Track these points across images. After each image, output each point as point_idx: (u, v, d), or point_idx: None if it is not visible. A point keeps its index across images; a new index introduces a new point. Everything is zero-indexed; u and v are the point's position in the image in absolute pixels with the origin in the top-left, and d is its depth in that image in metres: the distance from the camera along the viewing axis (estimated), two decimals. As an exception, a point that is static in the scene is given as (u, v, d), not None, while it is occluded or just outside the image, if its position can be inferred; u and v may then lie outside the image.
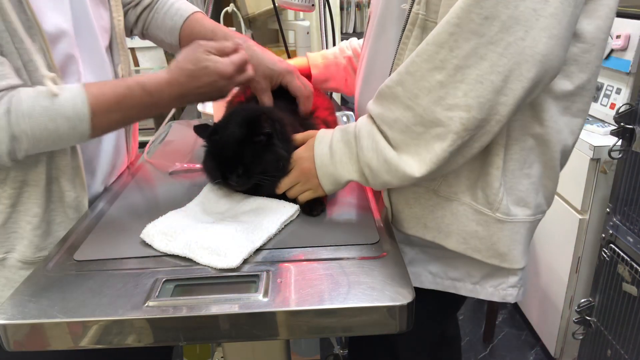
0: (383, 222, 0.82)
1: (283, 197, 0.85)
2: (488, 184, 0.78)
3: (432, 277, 0.91)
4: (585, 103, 0.78)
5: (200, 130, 0.85)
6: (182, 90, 0.81)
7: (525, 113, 0.75)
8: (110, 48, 0.99)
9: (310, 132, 0.86)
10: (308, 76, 1.14)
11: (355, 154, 0.78)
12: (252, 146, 0.80)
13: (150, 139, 1.27)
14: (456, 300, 0.95)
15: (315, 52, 1.18)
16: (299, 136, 0.86)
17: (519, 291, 0.87)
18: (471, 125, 0.68)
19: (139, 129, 2.69)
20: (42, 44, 0.77)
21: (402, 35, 0.77)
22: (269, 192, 0.85)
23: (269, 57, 0.97)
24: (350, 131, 0.79)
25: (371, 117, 0.78)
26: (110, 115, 0.78)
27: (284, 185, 0.84)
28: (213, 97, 0.85)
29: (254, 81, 0.93)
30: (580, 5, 0.67)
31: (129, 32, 1.11)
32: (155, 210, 0.83)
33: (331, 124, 1.03)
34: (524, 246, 0.83)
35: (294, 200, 0.85)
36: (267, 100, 0.95)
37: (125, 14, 1.08)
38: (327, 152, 0.80)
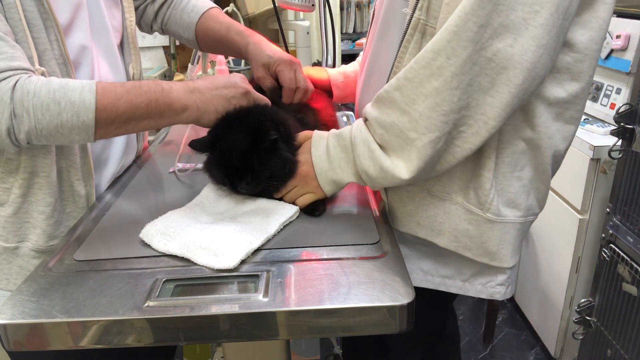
0: (383, 222, 0.82)
1: (282, 198, 0.85)
2: (480, 185, 0.80)
3: (423, 274, 0.92)
4: (578, 111, 0.80)
5: (197, 145, 0.84)
6: (196, 85, 0.82)
7: (517, 118, 0.77)
8: (121, 47, 1.01)
9: (307, 133, 0.87)
10: (326, 90, 1.18)
11: (352, 160, 0.80)
12: (258, 152, 0.80)
13: (151, 139, 1.27)
14: (445, 297, 0.97)
15: (336, 70, 1.20)
16: (299, 136, 0.87)
17: (506, 289, 0.90)
18: (460, 122, 0.72)
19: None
20: (57, 35, 0.79)
21: (403, 39, 0.78)
22: (275, 194, 0.85)
23: (271, 48, 1.00)
24: (345, 137, 0.81)
25: (366, 123, 0.80)
26: (117, 104, 0.75)
27: (282, 189, 0.84)
28: (228, 95, 0.84)
29: (254, 71, 1.00)
30: (569, 17, 0.70)
31: (149, 28, 1.15)
32: (155, 210, 0.84)
33: (330, 125, 1.04)
34: (514, 246, 0.84)
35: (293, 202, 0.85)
36: (267, 84, 1.00)
37: (145, 9, 1.11)
38: (325, 158, 0.82)
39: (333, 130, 0.84)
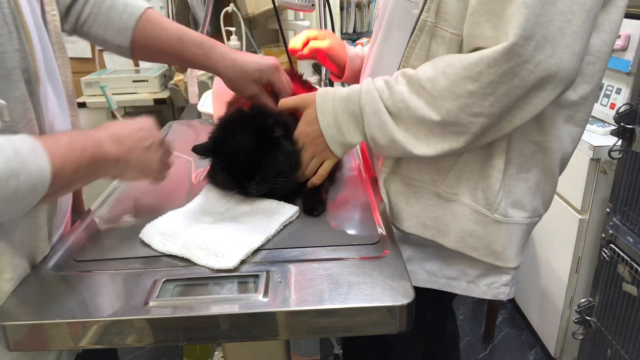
0: (383, 223, 0.82)
1: (284, 198, 0.85)
2: (489, 186, 0.80)
3: (427, 275, 0.92)
4: (586, 113, 0.81)
5: (200, 150, 0.83)
6: (118, 133, 0.73)
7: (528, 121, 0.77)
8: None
9: (302, 99, 0.85)
10: (340, 65, 1.14)
11: (361, 125, 0.81)
12: (264, 151, 0.80)
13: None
14: (445, 297, 0.97)
15: (355, 52, 1.13)
16: (287, 101, 0.86)
17: (510, 289, 0.90)
18: (489, 127, 0.72)
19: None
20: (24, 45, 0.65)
21: (409, 39, 0.79)
22: (285, 191, 0.85)
23: (251, 59, 0.92)
24: (354, 101, 0.80)
25: (377, 90, 0.78)
26: (64, 167, 0.63)
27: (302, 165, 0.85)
28: (146, 144, 0.75)
29: (241, 89, 0.93)
30: (595, 22, 0.71)
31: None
32: (155, 210, 0.84)
33: None
34: (519, 247, 0.86)
35: (293, 202, 0.85)
36: (268, 103, 0.93)
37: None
38: (332, 124, 0.82)
39: (339, 92, 0.82)
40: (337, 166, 0.92)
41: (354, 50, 1.14)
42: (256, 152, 0.80)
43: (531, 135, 0.79)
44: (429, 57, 0.77)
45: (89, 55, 2.62)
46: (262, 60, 0.92)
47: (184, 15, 2.34)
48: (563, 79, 0.68)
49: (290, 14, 2.21)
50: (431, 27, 0.76)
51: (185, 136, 1.32)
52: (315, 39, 1.13)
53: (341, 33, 2.99)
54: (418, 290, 0.92)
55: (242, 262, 0.70)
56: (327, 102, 0.83)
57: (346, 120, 0.81)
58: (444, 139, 0.75)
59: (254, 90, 0.92)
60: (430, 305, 1.01)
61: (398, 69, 0.81)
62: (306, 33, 1.13)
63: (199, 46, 0.91)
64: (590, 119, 1.75)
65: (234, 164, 0.81)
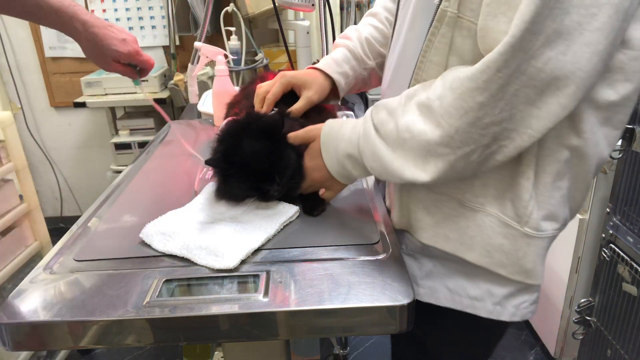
0: (384, 223, 0.82)
1: (284, 197, 0.85)
2: (517, 195, 0.73)
3: (449, 293, 0.83)
4: (626, 114, 0.73)
5: (214, 163, 0.82)
6: None
7: (562, 123, 0.67)
8: None
9: (310, 133, 0.84)
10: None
11: (362, 166, 0.77)
12: (277, 151, 0.80)
13: (150, 139, 1.27)
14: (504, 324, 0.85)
15: (339, 76, 0.98)
16: (297, 135, 0.85)
17: (536, 306, 0.83)
18: (502, 136, 0.66)
19: (139, 129, 2.67)
20: None
21: (428, 31, 0.72)
22: (296, 192, 0.85)
23: (110, 40, 0.93)
24: (354, 144, 0.77)
25: (375, 127, 0.75)
26: None
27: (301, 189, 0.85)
28: None
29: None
30: (630, 16, 0.62)
31: None
32: (155, 210, 0.84)
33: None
34: (544, 259, 0.78)
35: (293, 202, 0.85)
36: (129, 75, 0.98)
37: None
38: (336, 163, 0.80)
39: (342, 130, 0.79)
40: None
41: (337, 71, 0.97)
42: (271, 154, 0.79)
43: (566, 140, 0.71)
44: (452, 51, 0.70)
45: (89, 55, 2.62)
46: (121, 44, 0.92)
47: (184, 15, 2.34)
48: (583, 81, 0.61)
49: (290, 14, 2.21)
50: (453, 18, 0.68)
51: (185, 136, 1.32)
52: (280, 93, 0.93)
53: (341, 33, 3.00)
54: (467, 315, 0.82)
55: (242, 262, 0.70)
56: (330, 140, 0.81)
57: (347, 160, 0.78)
58: (449, 162, 0.68)
59: (114, 68, 0.95)
60: (483, 332, 0.89)
61: (417, 62, 0.74)
62: (262, 97, 0.93)
63: (58, 14, 0.90)
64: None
65: (252, 169, 0.80)
